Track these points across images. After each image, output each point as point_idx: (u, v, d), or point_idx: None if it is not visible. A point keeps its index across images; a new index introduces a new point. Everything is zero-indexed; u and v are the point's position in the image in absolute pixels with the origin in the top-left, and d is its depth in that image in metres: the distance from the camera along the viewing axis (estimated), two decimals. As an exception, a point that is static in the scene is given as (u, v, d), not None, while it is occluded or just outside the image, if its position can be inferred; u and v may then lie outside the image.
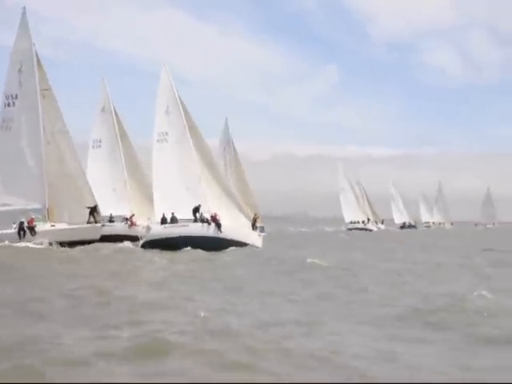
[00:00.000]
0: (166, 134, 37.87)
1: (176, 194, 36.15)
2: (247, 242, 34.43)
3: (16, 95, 37.59)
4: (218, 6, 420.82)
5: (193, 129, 37.96)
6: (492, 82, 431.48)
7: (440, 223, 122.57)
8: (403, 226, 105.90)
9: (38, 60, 38.02)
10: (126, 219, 42.78)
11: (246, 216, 36.51)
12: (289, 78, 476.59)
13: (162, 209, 36.18)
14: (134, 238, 38.68)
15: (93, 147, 46.81)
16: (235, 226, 35.28)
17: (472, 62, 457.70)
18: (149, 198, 43.78)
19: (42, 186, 36.23)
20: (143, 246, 34.50)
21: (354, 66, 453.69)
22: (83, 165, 41.70)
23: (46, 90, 37.74)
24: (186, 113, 38.26)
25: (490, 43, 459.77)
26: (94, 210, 36.83)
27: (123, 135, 46.98)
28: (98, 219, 36.92)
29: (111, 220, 43.60)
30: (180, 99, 38.51)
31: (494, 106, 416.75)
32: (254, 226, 36.19)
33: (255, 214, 36.94)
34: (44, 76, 38.12)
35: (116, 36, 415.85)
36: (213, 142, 49.65)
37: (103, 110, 47.21)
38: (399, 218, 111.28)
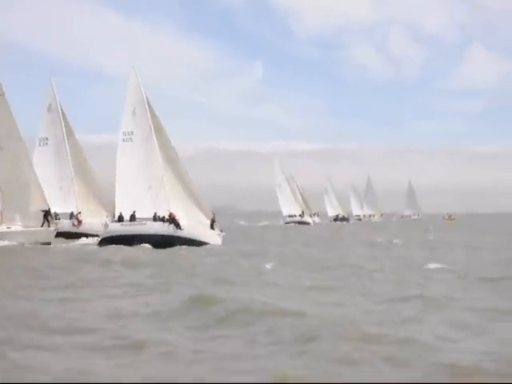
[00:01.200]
0: (132, 133, 39.28)
1: (138, 192, 37.77)
2: (206, 240, 36.20)
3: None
4: (145, 6, 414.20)
5: (158, 129, 39.46)
6: (411, 78, 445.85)
7: (370, 215, 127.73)
8: (336, 219, 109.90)
9: None
10: (72, 216, 44.31)
11: (207, 216, 38.38)
12: (216, 75, 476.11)
13: (122, 207, 37.45)
14: (79, 236, 41.18)
15: (39, 145, 47.66)
16: (194, 224, 37.14)
17: (392, 59, 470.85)
18: (95, 196, 46.36)
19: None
20: (100, 243, 35.90)
21: (279, 62, 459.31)
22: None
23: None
24: (153, 114, 39.71)
25: (409, 41, 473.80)
26: (47, 214, 37.96)
27: (69, 133, 47.86)
28: (51, 223, 37.99)
29: (57, 218, 43.67)
30: (147, 100, 39.91)
31: (412, 102, 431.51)
32: (212, 226, 37.80)
33: (213, 214, 38.80)
34: None
35: (41, 33, 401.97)
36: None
37: (49, 108, 48.04)
38: (332, 211, 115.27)
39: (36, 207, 37.67)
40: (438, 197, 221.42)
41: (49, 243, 35.92)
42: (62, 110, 48.05)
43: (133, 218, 37.04)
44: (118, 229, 36.62)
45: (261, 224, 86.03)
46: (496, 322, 12.42)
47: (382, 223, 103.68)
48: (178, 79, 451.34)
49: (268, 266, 23.84)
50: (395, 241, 44.31)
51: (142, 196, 37.85)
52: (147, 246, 34.68)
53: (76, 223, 43.94)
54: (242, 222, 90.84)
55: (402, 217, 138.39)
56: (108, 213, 44.89)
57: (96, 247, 34.83)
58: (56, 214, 43.76)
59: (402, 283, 18.40)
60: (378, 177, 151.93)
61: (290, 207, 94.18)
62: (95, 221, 43.66)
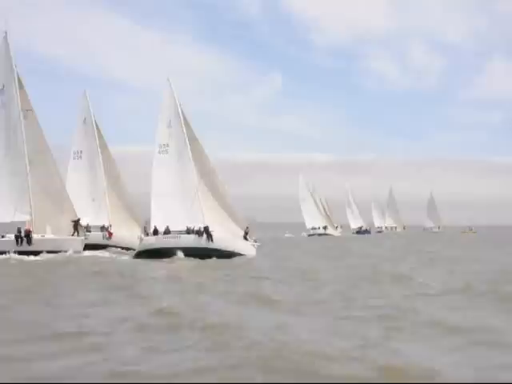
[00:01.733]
0: (167, 145, 40.05)
1: (172, 205, 38.46)
2: (240, 251, 36.75)
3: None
4: (162, 15, 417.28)
5: (193, 141, 40.18)
6: (431, 89, 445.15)
7: (392, 227, 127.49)
8: (359, 231, 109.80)
9: (20, 81, 39.47)
10: (103, 228, 45.00)
11: (241, 226, 38.96)
12: (234, 86, 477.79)
13: (158, 218, 38.30)
14: (111, 247, 42.33)
15: (74, 158, 48.35)
16: (226, 236, 37.63)
17: (412, 69, 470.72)
18: (127, 209, 46.75)
19: (27, 201, 37.95)
20: (136, 256, 36.82)
21: (298, 73, 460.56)
22: (63, 175, 44.13)
23: (28, 110, 39.33)
24: (188, 125, 40.42)
25: (429, 51, 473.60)
26: (77, 224, 38.98)
27: (103, 146, 48.47)
28: (80, 232, 38.89)
29: (88, 230, 44.52)
30: (183, 112, 40.61)
31: (431, 112, 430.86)
32: (245, 237, 38.48)
33: (247, 227, 39.34)
34: (26, 97, 39.56)
35: (56, 41, 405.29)
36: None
37: (84, 121, 48.68)
38: (354, 222, 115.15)
39: (66, 218, 38.67)
40: (458, 209, 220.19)
41: (79, 251, 36.91)
42: (96, 123, 48.77)
43: (167, 231, 37.77)
44: (152, 242, 37.38)
45: (286, 235, 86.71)
46: None
47: (412, 235, 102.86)
48: (196, 90, 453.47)
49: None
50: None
51: (177, 208, 38.47)
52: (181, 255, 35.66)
53: (107, 235, 44.66)
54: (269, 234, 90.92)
55: (424, 229, 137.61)
56: (138, 226, 45.94)
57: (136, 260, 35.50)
58: (88, 226, 44.73)
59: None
60: (397, 188, 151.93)
61: (313, 220, 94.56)
62: (126, 233, 44.75)
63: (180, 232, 37.74)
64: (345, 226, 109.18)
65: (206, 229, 36.98)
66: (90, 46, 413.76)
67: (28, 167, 38.31)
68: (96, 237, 43.75)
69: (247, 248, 37.62)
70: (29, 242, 36.60)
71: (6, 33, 40.18)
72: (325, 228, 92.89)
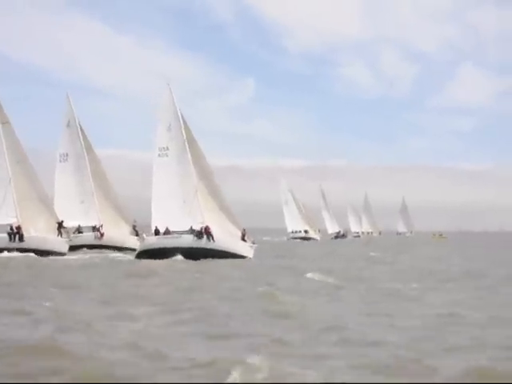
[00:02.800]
0: (167, 148, 40.94)
1: (172, 206, 39.45)
2: (238, 252, 37.75)
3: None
4: (135, 19, 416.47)
5: (193, 144, 41.17)
6: (402, 96, 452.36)
7: (368, 232, 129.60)
8: (337, 236, 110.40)
9: None
10: (94, 229, 46.04)
11: (238, 228, 39.90)
12: (206, 91, 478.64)
13: (158, 220, 39.24)
14: (102, 247, 43.55)
15: (60, 161, 49.13)
16: (226, 237, 38.75)
17: (384, 77, 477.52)
18: (116, 208, 47.96)
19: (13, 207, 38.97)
20: (138, 256, 37.67)
21: (271, 78, 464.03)
22: (51, 178, 46.61)
23: (4, 123, 40.20)
24: (187, 128, 41.40)
25: (400, 58, 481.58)
26: (60, 226, 39.89)
27: (88, 148, 49.27)
28: (64, 234, 39.94)
29: (80, 231, 46.40)
30: (182, 116, 41.58)
31: (403, 119, 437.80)
32: (243, 238, 39.26)
33: (244, 229, 40.47)
34: (2, 110, 40.33)
35: (29, 46, 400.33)
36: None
37: (68, 125, 49.41)
38: (331, 227, 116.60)
39: (47, 221, 39.66)
40: (429, 214, 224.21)
41: (63, 254, 37.92)
42: (80, 125, 49.51)
43: (167, 231, 38.74)
44: (154, 242, 38.31)
45: (264, 239, 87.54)
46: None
47: (386, 239, 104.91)
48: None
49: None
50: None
51: (177, 209, 39.42)
52: (180, 257, 36.49)
53: (99, 236, 45.63)
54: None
55: (397, 234, 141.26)
56: (127, 225, 47.17)
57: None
58: (79, 227, 46.32)
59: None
60: (368, 193, 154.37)
61: (295, 223, 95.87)
62: (117, 233, 46.15)
63: (182, 233, 38.65)
64: (322, 231, 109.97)
65: (207, 229, 37.93)
66: (63, 50, 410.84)
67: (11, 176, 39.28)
68: (88, 237, 45.18)
69: (246, 249, 38.60)
70: (20, 238, 37.64)
71: None
72: (306, 232, 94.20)
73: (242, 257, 37.60)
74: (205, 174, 40.96)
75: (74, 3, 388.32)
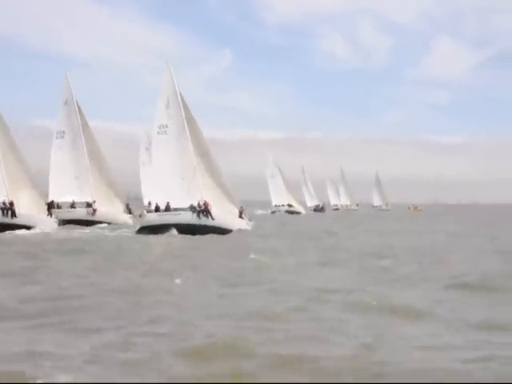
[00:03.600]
0: (166, 126, 41.69)
1: (172, 183, 40.35)
2: (236, 229, 38.73)
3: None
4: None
5: (191, 122, 42.00)
6: (379, 68, 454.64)
7: (347, 205, 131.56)
8: (316, 209, 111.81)
9: None
10: (87, 205, 46.99)
11: (236, 205, 41.16)
12: (182, 62, 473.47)
13: (159, 197, 40.44)
14: (95, 223, 44.65)
15: (56, 138, 49.86)
16: (224, 214, 39.85)
17: (360, 48, 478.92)
18: (109, 185, 49.09)
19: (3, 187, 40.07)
20: (138, 232, 38.75)
21: (248, 49, 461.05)
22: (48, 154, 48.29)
23: None
24: (185, 107, 42.16)
25: (377, 30, 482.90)
26: (50, 206, 42.56)
27: (85, 125, 50.09)
28: (53, 214, 41.87)
29: (73, 206, 47.73)
30: (180, 94, 42.33)
31: (379, 91, 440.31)
32: (240, 215, 40.59)
33: (241, 206, 41.72)
34: None
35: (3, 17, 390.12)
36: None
37: (66, 102, 50.05)
38: (311, 201, 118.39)
39: (35, 200, 41.22)
40: (405, 187, 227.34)
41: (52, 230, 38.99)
42: (77, 103, 50.16)
43: (168, 208, 39.78)
44: (154, 219, 39.30)
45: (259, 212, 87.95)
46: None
47: (364, 213, 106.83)
48: (144, 65, 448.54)
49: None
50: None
51: (176, 186, 40.34)
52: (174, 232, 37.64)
53: (91, 212, 46.49)
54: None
55: (373, 207, 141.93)
56: (121, 202, 48.40)
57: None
58: (73, 203, 47.54)
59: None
60: (345, 166, 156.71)
61: (279, 197, 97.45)
62: (109, 210, 47.22)
63: (182, 209, 39.67)
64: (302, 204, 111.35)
65: (206, 206, 39.02)
66: (34, 18, 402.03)
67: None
68: (80, 212, 46.36)
69: (243, 226, 39.81)
70: (13, 215, 38.90)
71: None
72: (290, 205, 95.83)
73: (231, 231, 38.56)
74: (203, 151, 41.84)
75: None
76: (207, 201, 39.61)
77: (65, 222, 42.31)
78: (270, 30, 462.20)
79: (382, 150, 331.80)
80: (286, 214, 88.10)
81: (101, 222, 45.01)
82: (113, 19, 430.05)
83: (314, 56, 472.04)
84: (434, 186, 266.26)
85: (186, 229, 37.69)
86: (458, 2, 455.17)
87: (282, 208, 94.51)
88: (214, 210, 39.48)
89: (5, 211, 38.83)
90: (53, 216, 41.67)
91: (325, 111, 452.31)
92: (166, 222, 38.57)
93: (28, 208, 40.16)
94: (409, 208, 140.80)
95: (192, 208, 39.40)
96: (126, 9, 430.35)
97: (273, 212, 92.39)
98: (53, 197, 46.82)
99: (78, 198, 47.78)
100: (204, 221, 38.72)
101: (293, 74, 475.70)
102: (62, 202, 47.47)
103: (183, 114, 41.95)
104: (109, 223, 44.93)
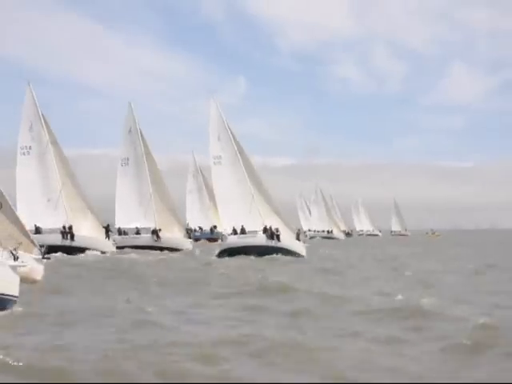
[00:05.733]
0: (220, 157, 44.73)
1: (236, 209, 42.96)
2: (298, 251, 41.16)
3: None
4: (124, 16, 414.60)
5: (241, 152, 44.92)
6: (393, 93, 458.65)
7: (368, 231, 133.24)
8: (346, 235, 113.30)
9: None
10: (153, 232, 48.68)
11: (291, 229, 43.71)
12: (197, 90, 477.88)
13: (227, 221, 43.23)
14: (161, 249, 46.57)
15: (121, 165, 52.02)
16: (289, 237, 42.29)
17: (374, 74, 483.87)
18: (171, 211, 50.91)
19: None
20: (220, 254, 40.66)
21: (262, 77, 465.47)
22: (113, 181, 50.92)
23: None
24: (235, 138, 45.16)
25: (391, 56, 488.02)
26: (107, 230, 44.82)
27: (148, 153, 51.96)
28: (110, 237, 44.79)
29: (138, 232, 50.02)
30: (229, 126, 45.41)
31: (393, 117, 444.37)
32: (297, 238, 42.84)
33: (298, 229, 44.28)
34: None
35: (18, 43, 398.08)
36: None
37: (130, 131, 52.18)
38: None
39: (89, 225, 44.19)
40: (418, 212, 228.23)
41: (105, 252, 41.92)
42: (141, 132, 52.33)
43: (243, 231, 42.23)
44: (235, 241, 41.56)
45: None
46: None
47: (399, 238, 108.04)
48: (158, 94, 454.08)
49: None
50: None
51: (240, 212, 42.86)
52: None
53: (156, 238, 48.36)
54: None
55: (391, 232, 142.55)
56: (182, 227, 50.44)
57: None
58: (138, 229, 49.88)
59: None
60: (359, 192, 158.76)
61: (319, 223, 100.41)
62: (172, 235, 49.13)
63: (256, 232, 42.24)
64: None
65: (277, 230, 41.53)
66: (51, 46, 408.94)
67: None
68: (146, 239, 48.52)
69: (302, 248, 42.04)
70: (72, 237, 42.11)
71: None
72: (329, 232, 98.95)
73: (300, 255, 40.89)
74: (256, 180, 44.61)
75: (62, 2, 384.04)
76: (277, 227, 42.04)
77: (133, 248, 44.67)
78: (284, 56, 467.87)
79: (397, 176, 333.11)
80: (323, 240, 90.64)
81: (164, 248, 46.69)
82: (127, 47, 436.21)
83: (327, 82, 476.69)
84: (451, 210, 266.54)
85: (260, 250, 39.99)
86: (472, 27, 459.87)
87: (319, 234, 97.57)
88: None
89: (65, 235, 41.91)
90: (110, 239, 44.25)
91: (339, 137, 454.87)
92: (246, 245, 40.87)
93: (87, 232, 43.01)
94: (427, 233, 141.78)
95: (265, 231, 41.73)
96: (140, 38, 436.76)
97: (311, 237, 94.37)
98: (119, 223, 49.38)
99: (142, 224, 49.78)
100: (274, 243, 41.04)
101: (306, 100, 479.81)
102: (127, 228, 49.89)
103: (235, 146, 44.94)
104: (172, 249, 46.64)
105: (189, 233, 51.29)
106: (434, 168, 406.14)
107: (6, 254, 16.90)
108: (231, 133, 45.38)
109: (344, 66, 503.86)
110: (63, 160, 44.94)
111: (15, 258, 16.94)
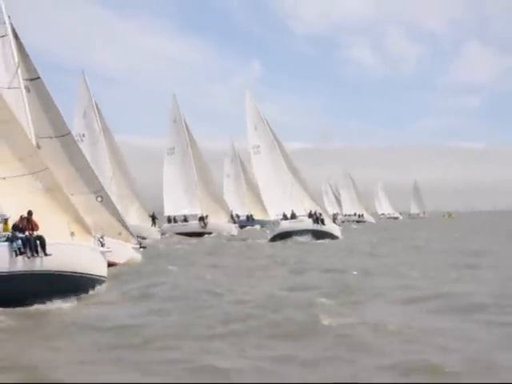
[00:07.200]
0: (258, 146, 47.43)
1: (279, 195, 45.39)
2: (336, 234, 44.00)
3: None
4: (137, 4, 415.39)
5: (276, 140, 47.74)
6: (408, 76, 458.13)
7: (389, 214, 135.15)
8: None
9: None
10: (200, 218, 51.53)
11: (328, 215, 46.66)
12: (211, 74, 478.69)
13: (272, 207, 45.72)
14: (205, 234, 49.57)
15: (167, 154, 54.50)
16: (329, 221, 45.28)
17: (389, 57, 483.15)
18: (215, 198, 53.58)
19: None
20: (273, 239, 42.92)
21: (277, 60, 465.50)
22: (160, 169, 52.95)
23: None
24: (270, 128, 47.93)
25: (406, 38, 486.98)
26: (154, 218, 46.88)
27: (192, 142, 54.48)
28: (156, 224, 46.97)
29: (186, 220, 52.79)
30: (264, 118, 48.25)
31: (409, 99, 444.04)
32: (334, 221, 46.26)
33: (334, 214, 47.12)
34: None
35: (36, 33, 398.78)
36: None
37: (175, 121, 54.66)
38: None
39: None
40: (439, 194, 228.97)
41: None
42: (185, 122, 54.77)
43: (293, 216, 44.34)
44: (287, 226, 43.71)
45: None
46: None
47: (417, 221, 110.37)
48: (173, 79, 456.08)
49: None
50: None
51: (281, 198, 45.32)
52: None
53: (203, 225, 51.20)
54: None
55: (410, 215, 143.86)
56: (226, 212, 53.21)
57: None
58: (185, 217, 52.68)
59: None
60: (377, 174, 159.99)
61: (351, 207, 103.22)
62: (218, 221, 51.85)
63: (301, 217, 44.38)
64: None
65: (321, 214, 44.24)
66: (69, 35, 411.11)
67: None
68: (194, 226, 51.20)
69: (338, 231, 44.97)
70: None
71: None
72: (360, 215, 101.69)
73: (337, 237, 43.77)
74: (293, 167, 47.43)
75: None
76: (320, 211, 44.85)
77: (181, 235, 47.61)
78: (298, 40, 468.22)
79: (412, 158, 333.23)
80: (356, 224, 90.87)
81: (210, 233, 49.72)
82: (141, 33, 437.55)
83: (342, 65, 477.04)
84: (467, 192, 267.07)
85: (310, 234, 42.40)
86: (486, 7, 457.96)
87: (350, 218, 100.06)
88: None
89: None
90: (156, 226, 46.70)
91: (353, 120, 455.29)
92: (296, 229, 43.05)
93: (135, 220, 44.56)
94: (443, 216, 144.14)
95: (310, 215, 44.14)
96: (154, 24, 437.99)
97: (342, 221, 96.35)
98: (168, 211, 52.33)
99: (189, 211, 52.56)
100: (319, 227, 43.56)
101: (321, 83, 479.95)
102: (176, 216, 52.78)
103: (271, 135, 47.76)
104: (217, 234, 49.48)
105: (233, 218, 53.86)
106: (449, 149, 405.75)
107: (96, 241, 19.63)
108: (267, 122, 48.18)
109: (359, 49, 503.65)
110: (114, 148, 45.71)
111: (102, 245, 19.87)
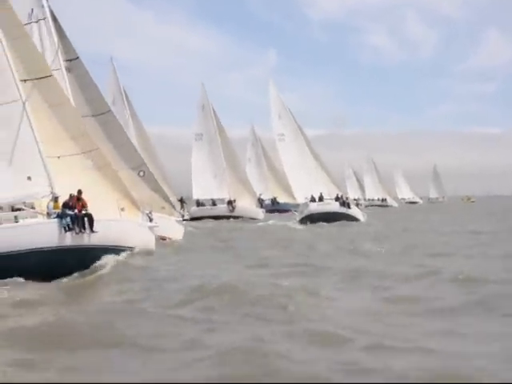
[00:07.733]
0: (283, 134, 49.68)
1: (304, 179, 47.47)
2: (360, 217, 45.54)
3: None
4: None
5: (300, 127, 50.05)
6: (426, 61, 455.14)
7: (409, 198, 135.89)
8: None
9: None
10: (229, 202, 52.80)
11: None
12: (228, 63, 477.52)
13: (299, 190, 47.71)
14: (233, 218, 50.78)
15: (195, 140, 55.83)
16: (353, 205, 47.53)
17: (407, 42, 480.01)
18: (243, 182, 54.71)
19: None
20: (302, 221, 43.79)
21: (293, 48, 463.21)
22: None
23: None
24: (293, 117, 50.20)
25: (424, 23, 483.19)
26: (182, 201, 47.32)
27: (221, 129, 55.69)
28: (184, 209, 47.16)
29: (214, 203, 54.09)
30: (287, 107, 50.69)
31: (426, 85, 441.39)
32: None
33: (356, 199, 48.84)
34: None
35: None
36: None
37: (203, 108, 55.92)
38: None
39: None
40: (454, 178, 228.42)
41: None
42: (213, 109, 56.11)
43: (321, 198, 46.14)
44: (316, 208, 45.13)
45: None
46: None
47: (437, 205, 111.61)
48: (189, 68, 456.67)
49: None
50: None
51: (307, 182, 47.33)
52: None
53: (231, 208, 52.52)
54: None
55: (429, 199, 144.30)
56: (253, 197, 54.60)
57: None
58: (214, 201, 54.18)
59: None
60: (393, 160, 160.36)
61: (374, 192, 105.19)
62: (245, 205, 52.92)
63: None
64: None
65: (348, 198, 46.50)
66: (84, 25, 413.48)
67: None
68: (222, 209, 52.59)
69: (361, 215, 46.73)
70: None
71: None
72: (383, 200, 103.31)
73: (360, 220, 45.07)
74: (315, 154, 49.77)
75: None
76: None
77: (210, 218, 48.89)
78: (314, 27, 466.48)
79: (430, 143, 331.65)
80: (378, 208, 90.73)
81: (238, 217, 50.74)
82: (158, 23, 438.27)
83: (359, 51, 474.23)
84: (485, 176, 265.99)
85: (335, 217, 43.40)
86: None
87: (373, 202, 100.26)
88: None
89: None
90: (184, 211, 46.90)
91: (369, 106, 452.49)
92: (324, 211, 44.28)
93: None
94: (462, 199, 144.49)
95: (337, 199, 45.90)
96: (169, 12, 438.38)
97: (366, 206, 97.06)
98: (197, 195, 53.72)
99: (217, 195, 53.99)
100: (345, 210, 45.03)
101: (338, 70, 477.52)
102: (204, 200, 54.10)
103: (295, 123, 50.03)
104: (247, 218, 50.36)
105: (260, 202, 55.42)
106: (465, 134, 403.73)
107: (144, 216, 21.21)
108: (290, 111, 50.38)
109: (375, 35, 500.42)
110: (143, 134, 45.26)
111: (150, 220, 21.45)
